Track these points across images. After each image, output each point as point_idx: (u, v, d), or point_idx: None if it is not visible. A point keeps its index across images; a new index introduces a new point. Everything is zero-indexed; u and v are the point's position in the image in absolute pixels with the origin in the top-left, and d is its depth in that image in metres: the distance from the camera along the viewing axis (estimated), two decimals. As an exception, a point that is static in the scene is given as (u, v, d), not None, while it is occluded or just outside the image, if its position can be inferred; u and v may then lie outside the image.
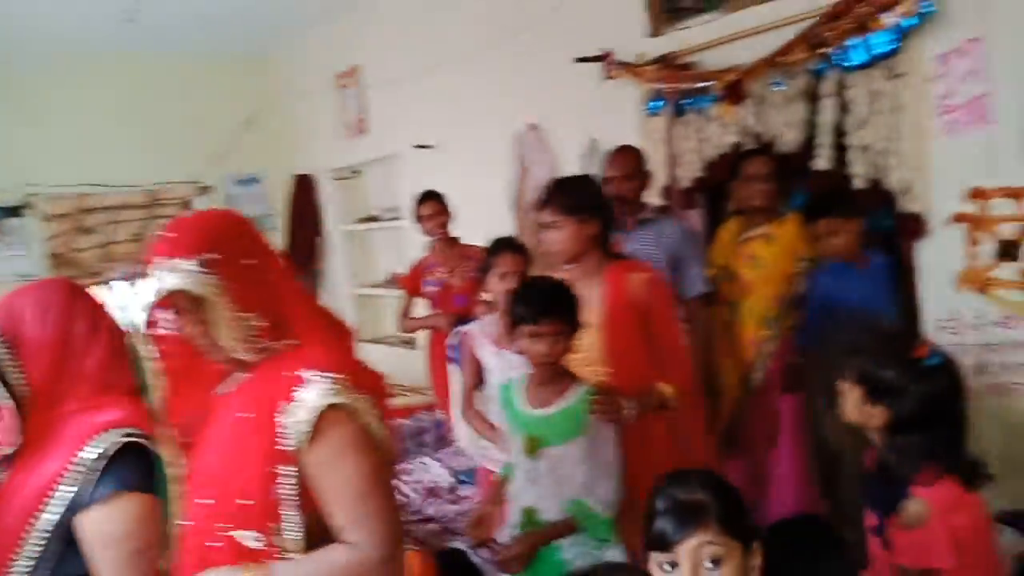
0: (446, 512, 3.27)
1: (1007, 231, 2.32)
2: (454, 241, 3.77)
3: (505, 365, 2.60)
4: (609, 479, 1.93)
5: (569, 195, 2.21)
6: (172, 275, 1.20)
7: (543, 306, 1.91)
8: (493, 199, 4.16)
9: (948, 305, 2.49)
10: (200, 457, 1.28)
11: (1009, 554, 1.93)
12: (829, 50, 2.60)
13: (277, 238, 6.22)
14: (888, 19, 2.44)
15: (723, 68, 2.95)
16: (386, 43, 4.97)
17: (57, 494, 1.32)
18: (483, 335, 2.68)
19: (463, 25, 4.31)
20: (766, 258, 2.82)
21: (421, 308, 3.95)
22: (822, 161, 2.70)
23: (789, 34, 2.70)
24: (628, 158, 2.90)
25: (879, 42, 2.47)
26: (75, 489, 1.32)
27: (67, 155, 5.33)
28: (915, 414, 1.58)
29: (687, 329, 2.81)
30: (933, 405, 1.58)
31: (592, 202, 2.22)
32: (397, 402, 4.54)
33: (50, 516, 1.31)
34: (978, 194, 2.37)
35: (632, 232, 2.86)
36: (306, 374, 1.19)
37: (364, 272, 5.91)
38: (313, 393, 1.17)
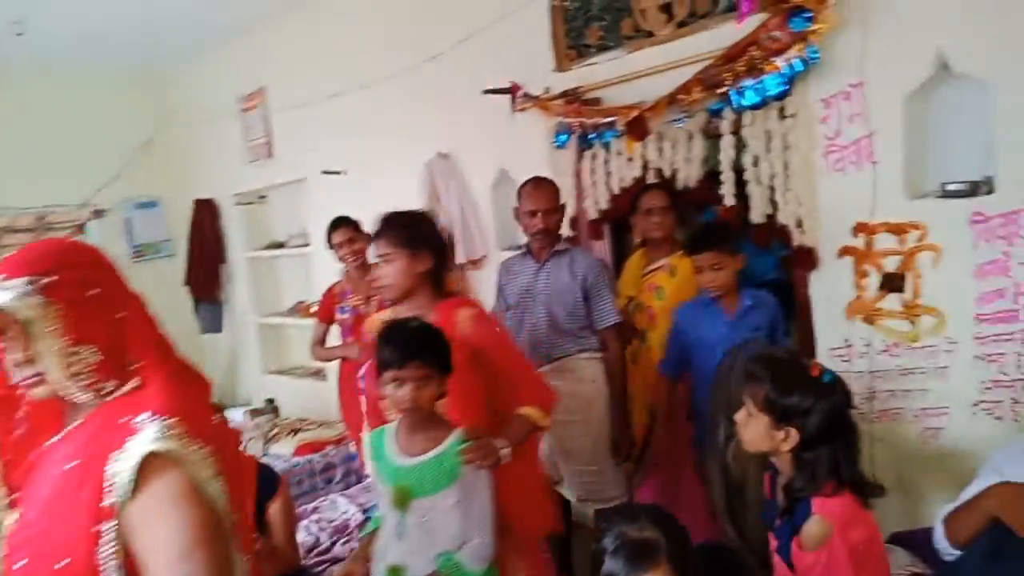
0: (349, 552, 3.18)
1: (891, 264, 2.46)
2: (369, 268, 3.69)
3: None
4: (483, 530, 1.86)
5: (402, 229, 2.18)
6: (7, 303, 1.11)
7: (408, 349, 1.83)
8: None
9: (839, 334, 2.62)
10: (20, 515, 1.16)
11: (901, 573, 2.02)
12: (726, 90, 2.71)
13: (177, 265, 5.98)
14: (778, 63, 2.57)
15: (626, 104, 3.03)
16: (292, 66, 4.88)
17: None
18: None
19: (372, 51, 4.28)
20: (669, 289, 2.91)
21: (335, 337, 3.87)
22: (725, 197, 2.80)
23: (688, 74, 2.81)
24: (548, 192, 2.90)
25: (771, 84, 2.60)
26: None
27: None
28: (822, 430, 1.64)
29: (601, 358, 2.88)
30: (833, 419, 1.65)
31: (427, 237, 2.20)
32: (306, 436, 4.42)
33: None
34: (863, 229, 2.51)
35: (546, 263, 2.90)
36: (139, 419, 1.10)
37: (269, 301, 5.75)
38: (140, 440, 1.07)
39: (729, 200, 2.80)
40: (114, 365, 1.16)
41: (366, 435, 2.06)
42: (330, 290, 3.84)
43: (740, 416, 1.73)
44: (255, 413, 5.03)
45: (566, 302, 2.85)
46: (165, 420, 1.09)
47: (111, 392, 1.16)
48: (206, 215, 5.84)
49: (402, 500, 1.85)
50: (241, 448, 1.35)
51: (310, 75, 4.72)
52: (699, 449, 2.71)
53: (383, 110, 4.24)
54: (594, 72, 3.23)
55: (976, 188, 2.31)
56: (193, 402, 1.18)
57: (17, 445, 1.23)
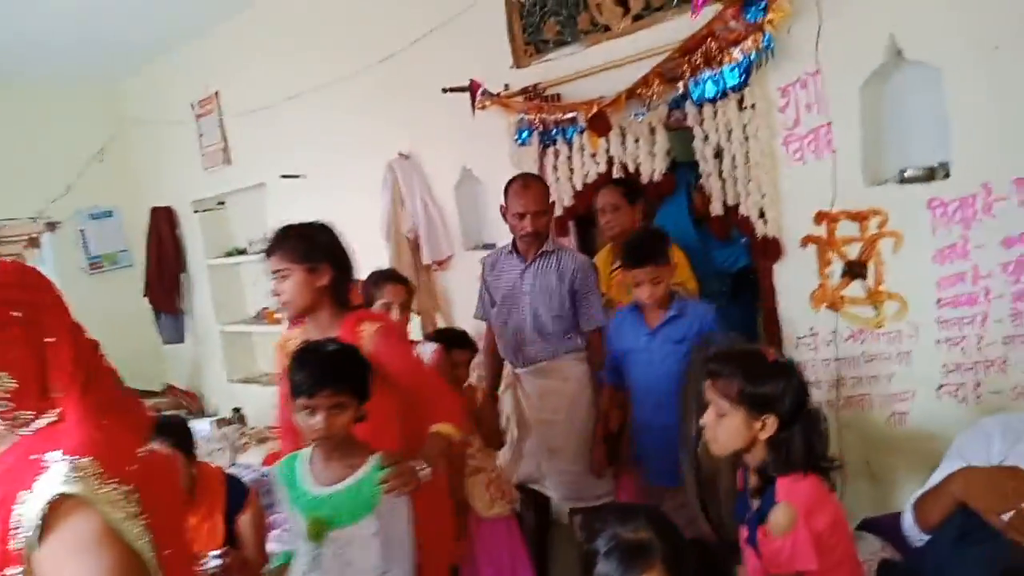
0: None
1: (852, 252, 2.48)
2: None
3: None
4: (403, 559, 1.79)
5: (298, 242, 2.07)
6: None
7: (320, 376, 1.74)
8: (365, 229, 4.06)
9: (805, 322, 2.63)
10: None
11: (871, 559, 2.04)
12: (685, 82, 2.71)
13: (136, 276, 5.85)
14: (735, 54, 2.57)
15: (586, 100, 3.02)
16: (244, 69, 4.79)
17: None
18: None
19: (326, 51, 4.21)
20: (635, 285, 2.90)
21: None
22: (704, 187, 2.80)
23: (647, 67, 2.80)
24: (537, 193, 2.80)
25: (728, 75, 2.60)
26: None
27: None
28: (793, 411, 1.66)
29: (586, 358, 2.83)
30: (799, 398, 1.68)
31: (324, 250, 2.10)
32: (275, 446, 4.32)
33: None
34: (824, 217, 2.52)
35: (532, 263, 2.84)
36: (49, 458, 1.02)
37: (232, 308, 5.65)
38: (48, 481, 1.00)
39: (707, 190, 2.79)
40: (31, 394, 1.09)
41: (277, 462, 1.95)
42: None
43: (708, 418, 1.71)
44: (222, 423, 4.94)
45: (552, 304, 2.78)
46: (76, 460, 1.02)
47: (28, 423, 1.09)
48: (164, 223, 5.72)
49: (317, 532, 1.75)
50: (178, 477, 1.29)
51: (264, 78, 4.63)
52: (638, 465, 2.70)
53: (341, 111, 4.18)
54: (553, 68, 3.21)
55: (933, 173, 2.33)
56: (115, 437, 1.10)
57: None
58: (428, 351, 2.63)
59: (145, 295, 5.77)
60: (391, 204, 3.95)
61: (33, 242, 5.73)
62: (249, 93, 4.74)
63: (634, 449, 2.70)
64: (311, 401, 1.74)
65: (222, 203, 5.58)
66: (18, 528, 0.99)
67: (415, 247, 3.90)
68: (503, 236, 3.46)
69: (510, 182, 2.87)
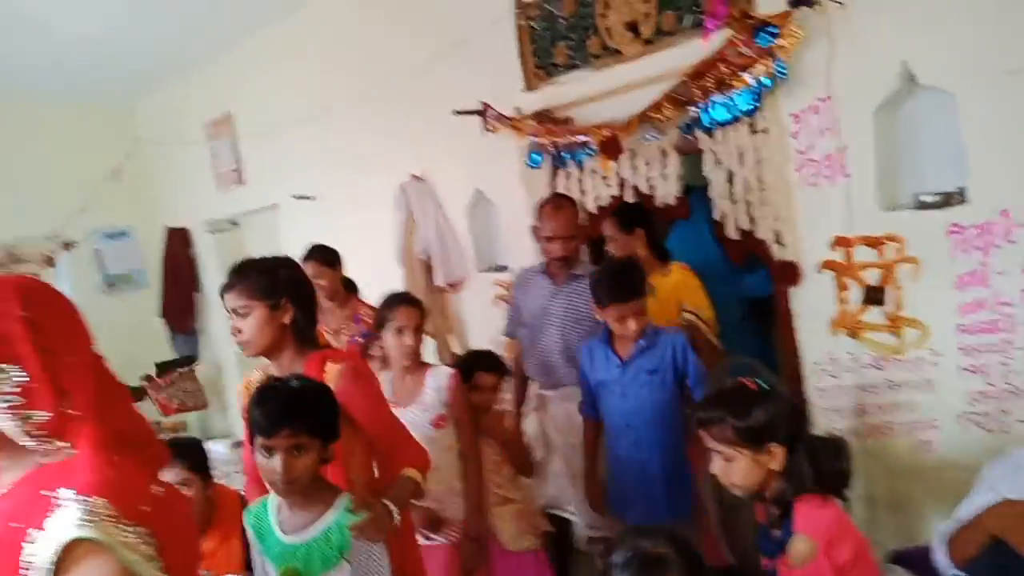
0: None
1: (871, 277, 2.46)
2: (346, 299, 3.60)
3: (403, 422, 2.56)
4: None
5: (259, 277, 1.96)
6: None
7: (278, 415, 1.64)
8: (378, 251, 4.08)
9: (824, 349, 2.61)
10: None
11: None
12: (696, 107, 2.70)
13: (152, 296, 5.89)
14: (747, 79, 2.56)
15: (598, 123, 3.01)
16: (260, 91, 4.81)
17: None
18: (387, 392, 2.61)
19: (339, 74, 4.23)
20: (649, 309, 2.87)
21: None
22: (715, 212, 2.77)
23: (657, 91, 2.79)
24: (568, 217, 2.75)
25: (740, 100, 2.59)
26: None
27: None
28: (791, 432, 1.65)
29: None
30: (793, 417, 1.67)
31: (287, 285, 1.99)
32: None
33: None
34: (841, 242, 2.50)
35: (563, 288, 2.80)
36: (62, 496, 1.00)
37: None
38: (61, 522, 0.99)
39: (719, 215, 2.77)
40: (45, 393, 1.05)
41: (247, 510, 1.87)
42: None
43: (717, 467, 1.70)
44: (238, 444, 4.95)
45: (581, 330, 2.73)
46: (91, 500, 1.00)
47: (43, 430, 1.06)
48: (179, 244, 5.76)
49: None
50: (191, 514, 1.27)
51: (276, 100, 4.66)
52: (614, 509, 2.60)
53: (353, 133, 4.20)
54: (563, 91, 3.21)
55: (949, 199, 2.31)
56: (129, 474, 1.08)
57: None
58: (444, 375, 2.61)
59: (160, 315, 5.81)
60: (404, 226, 3.96)
61: (49, 261, 5.76)
62: (262, 115, 4.77)
63: (609, 486, 2.62)
64: (268, 441, 1.65)
65: (236, 223, 5.61)
66: (29, 568, 0.98)
67: (428, 269, 3.90)
68: (516, 258, 3.47)
69: (543, 203, 2.84)
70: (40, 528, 0.99)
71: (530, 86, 3.34)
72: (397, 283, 3.80)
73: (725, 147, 2.68)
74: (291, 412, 1.66)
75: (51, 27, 4.14)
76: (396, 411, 2.52)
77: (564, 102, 3.19)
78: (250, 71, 4.86)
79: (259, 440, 1.67)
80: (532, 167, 3.30)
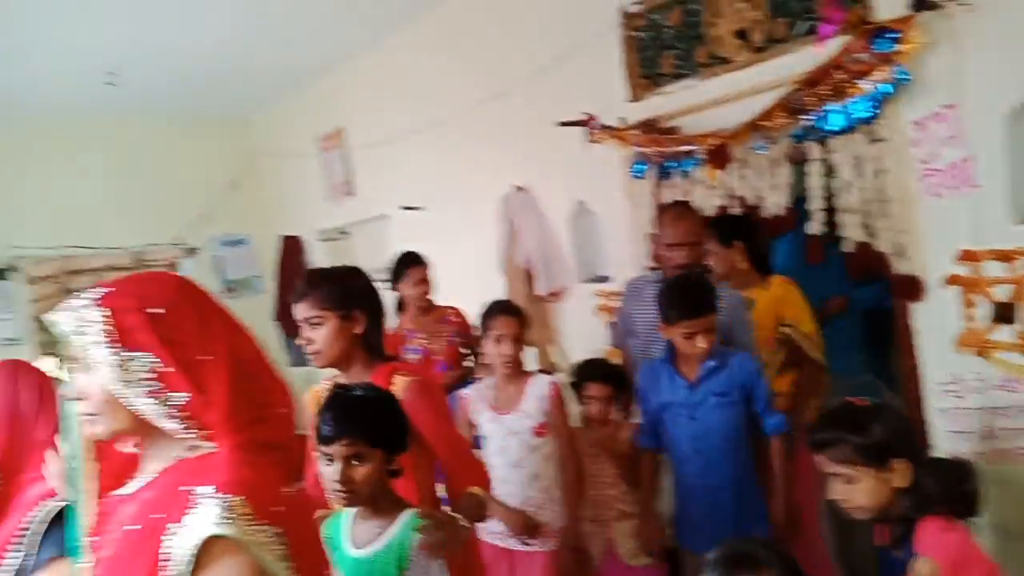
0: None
1: (1001, 293, 2.32)
2: (431, 306, 3.68)
3: (503, 430, 2.60)
4: None
5: (331, 288, 1.95)
6: (67, 318, 1.10)
7: (338, 422, 1.62)
8: (481, 260, 4.15)
9: (948, 368, 2.47)
10: (95, 564, 1.16)
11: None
12: (809, 115, 2.63)
13: (268, 300, 6.20)
14: (865, 86, 2.47)
15: (705, 132, 2.97)
16: (370, 105, 5.01)
17: (7, 561, 1.39)
18: (480, 399, 2.67)
19: (447, 87, 4.35)
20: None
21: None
22: (813, 224, 2.71)
23: (768, 99, 2.73)
24: (693, 223, 2.66)
25: (857, 108, 2.50)
26: (19, 556, 1.39)
27: (52, 217, 5.35)
28: (909, 445, 1.61)
29: None
30: (909, 431, 1.64)
31: (359, 296, 1.98)
32: None
33: None
34: (968, 256, 2.37)
35: None
36: (201, 493, 1.04)
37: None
38: (200, 518, 1.01)
39: (818, 228, 2.70)
40: (181, 382, 1.08)
41: (325, 521, 1.82)
42: (395, 331, 3.64)
43: (839, 491, 1.64)
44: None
45: None
46: (229, 499, 1.03)
47: (182, 417, 1.09)
48: (293, 251, 6.04)
49: None
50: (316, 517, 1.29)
51: (386, 114, 4.83)
52: (681, 546, 2.48)
53: (459, 145, 4.30)
54: (669, 101, 3.18)
55: (1091, 211, 2.16)
56: (264, 475, 1.10)
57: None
58: (544, 384, 2.63)
59: (275, 318, 6.10)
60: (506, 236, 4.02)
61: (173, 266, 6.15)
62: (372, 128, 4.95)
63: (676, 515, 2.51)
64: (328, 449, 1.63)
65: (345, 233, 5.83)
66: (168, 561, 1.01)
67: (530, 278, 3.95)
68: (618, 268, 3.47)
69: (663, 210, 2.74)
70: (179, 522, 1.02)
71: (635, 96, 3.33)
72: (499, 292, 3.86)
73: (841, 156, 2.59)
74: (351, 420, 1.64)
75: (174, 51, 4.44)
76: (497, 418, 2.62)
77: (670, 112, 3.17)
78: (360, 87, 5.07)
79: (320, 447, 1.66)
80: (636, 177, 3.29)
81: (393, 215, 4.91)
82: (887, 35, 2.37)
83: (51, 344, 5.41)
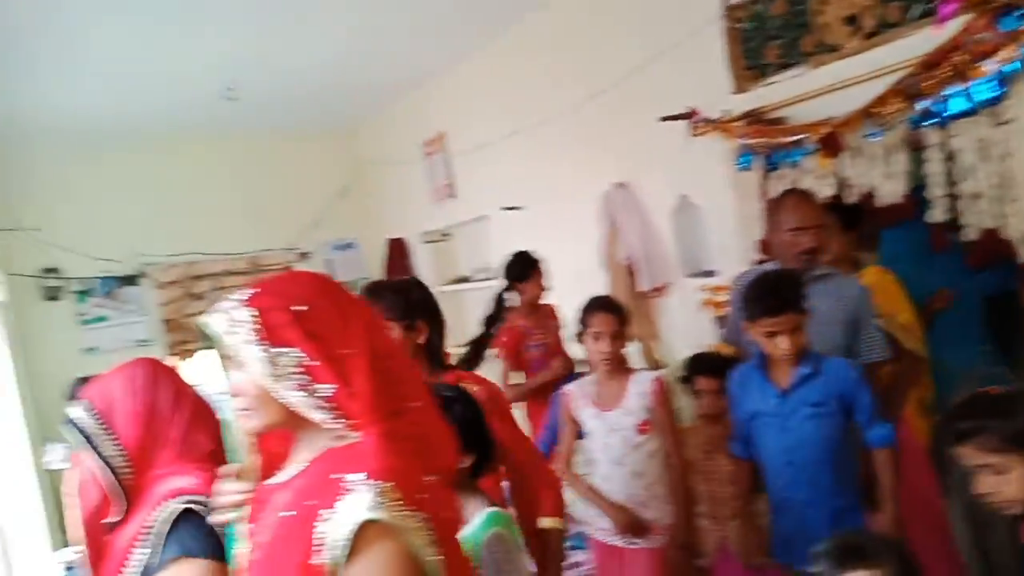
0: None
1: None
2: (539, 303, 3.80)
3: (605, 427, 2.61)
4: None
5: (394, 298, 1.97)
6: (218, 320, 1.17)
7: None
8: (581, 258, 4.19)
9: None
10: (252, 549, 1.22)
11: None
12: (927, 100, 2.54)
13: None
14: (989, 66, 2.36)
15: (815, 121, 2.91)
16: (469, 110, 5.14)
17: (132, 557, 1.42)
18: (582, 395, 2.69)
19: (546, 88, 4.41)
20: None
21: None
22: (935, 212, 2.61)
23: (880, 86, 2.65)
24: (815, 206, 2.57)
25: (981, 90, 2.39)
26: (146, 553, 1.40)
27: (176, 227, 5.76)
28: None
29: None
30: None
31: (421, 306, 1.99)
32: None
33: None
34: (1106, 242, 2.24)
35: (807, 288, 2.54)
36: (352, 480, 1.07)
37: (458, 332, 5.99)
38: (354, 504, 1.05)
39: (940, 215, 2.60)
40: (326, 374, 1.13)
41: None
42: (512, 328, 3.77)
43: (988, 484, 1.56)
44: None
45: (826, 334, 2.39)
46: (380, 485, 1.06)
47: (329, 408, 1.14)
48: (398, 253, 6.25)
49: None
50: (459, 506, 1.31)
51: (486, 117, 4.94)
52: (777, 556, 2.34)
53: (559, 145, 4.35)
54: (775, 91, 3.13)
55: None
56: (410, 463, 1.13)
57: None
58: (647, 380, 2.62)
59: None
60: (608, 233, 4.04)
61: (286, 270, 6.47)
62: (472, 132, 5.08)
63: (771, 529, 2.38)
64: None
65: (447, 235, 5.99)
66: (321, 545, 1.05)
67: (632, 274, 3.95)
68: (724, 263, 3.43)
69: (780, 198, 2.67)
70: (331, 508, 1.06)
71: (739, 88, 3.29)
72: (601, 289, 3.88)
73: (962, 141, 2.49)
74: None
75: (288, 69, 4.70)
76: (600, 414, 2.62)
77: (775, 102, 3.12)
78: (460, 92, 5.21)
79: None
80: (742, 169, 3.25)
81: (493, 216, 5.01)
82: (1014, 13, 2.27)
83: (179, 344, 5.81)
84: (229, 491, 1.28)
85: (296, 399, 1.14)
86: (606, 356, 2.58)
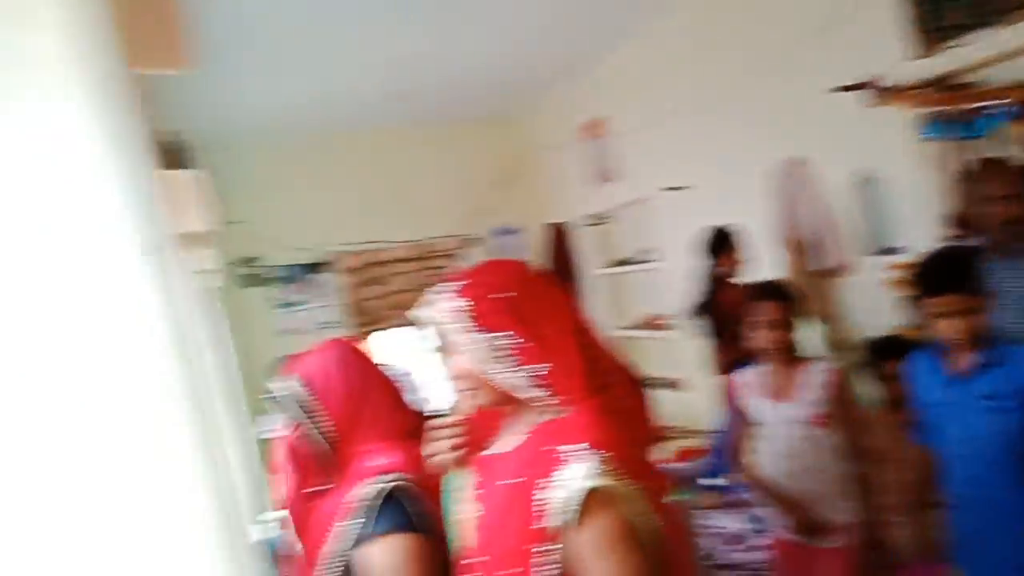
0: (746, 560, 3.16)
1: None
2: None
3: (776, 419, 2.51)
4: None
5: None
6: (434, 311, 1.27)
7: None
8: (750, 238, 4.10)
9: None
10: (478, 512, 1.30)
11: None
12: None
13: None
14: None
15: (1010, 84, 2.70)
16: (630, 93, 5.14)
17: (340, 529, 1.48)
18: (753, 385, 2.61)
19: (709, 64, 4.34)
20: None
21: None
22: None
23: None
24: (1017, 174, 2.42)
25: None
26: (357, 525, 1.46)
27: (355, 217, 6.20)
28: None
29: None
30: None
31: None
32: (675, 446, 4.44)
33: (330, 549, 1.48)
34: None
35: (1010, 260, 2.39)
36: (572, 450, 1.14)
37: (621, 315, 6.06)
38: (576, 473, 1.12)
39: None
40: (538, 355, 1.20)
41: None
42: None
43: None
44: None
45: None
46: (599, 455, 1.13)
47: (543, 386, 1.21)
48: (560, 237, 6.37)
49: None
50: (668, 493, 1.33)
51: (647, 98, 4.93)
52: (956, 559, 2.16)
53: (724, 121, 4.27)
54: (959, 55, 2.92)
55: None
56: (622, 435, 1.19)
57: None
58: (821, 370, 2.51)
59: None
60: (781, 211, 3.93)
61: (455, 256, 6.75)
62: (633, 114, 5.09)
63: (961, 526, 2.20)
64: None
65: (608, 217, 6.03)
66: (544, 511, 1.12)
67: (807, 253, 3.83)
68: (908, 240, 3.25)
69: (979, 167, 2.50)
70: (549, 478, 1.13)
71: (919, 54, 3.09)
72: (773, 270, 3.80)
73: None
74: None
75: (450, 62, 4.90)
76: (771, 405, 2.52)
77: (960, 67, 2.91)
78: (621, 75, 5.22)
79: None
80: (929, 139, 3.07)
81: (656, 197, 5.00)
82: None
83: (361, 327, 6.25)
84: (442, 437, 1.39)
85: (512, 379, 1.22)
86: (775, 346, 2.49)
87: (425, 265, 6.50)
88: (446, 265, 6.58)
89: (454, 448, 1.37)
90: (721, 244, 3.88)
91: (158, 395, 1.13)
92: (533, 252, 6.70)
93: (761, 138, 4.00)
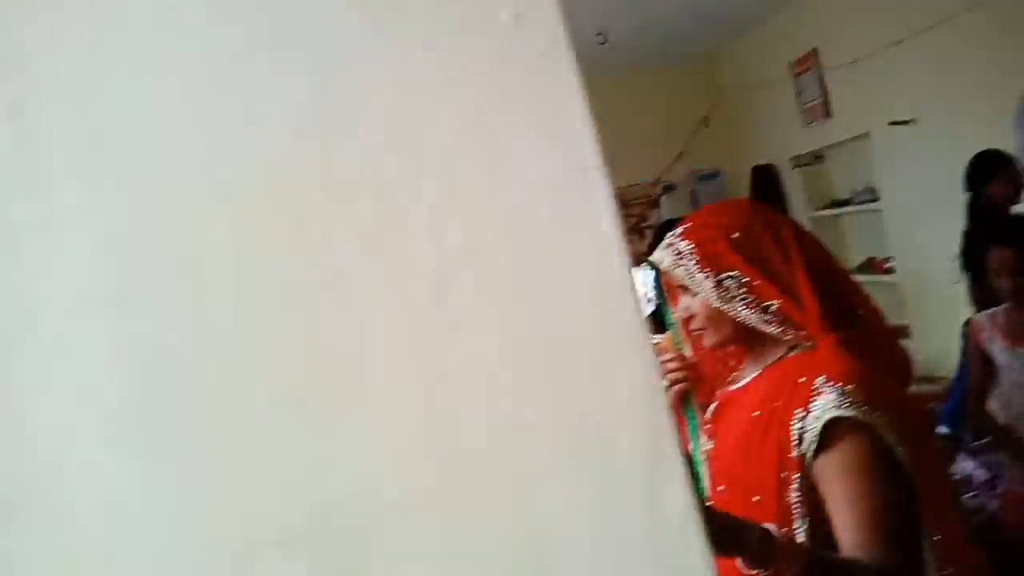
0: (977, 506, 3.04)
1: None
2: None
3: (1018, 364, 2.40)
4: None
5: None
6: (665, 254, 1.30)
7: None
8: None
9: None
10: (716, 446, 1.35)
11: None
12: None
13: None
14: None
15: None
16: (844, 23, 4.78)
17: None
18: (993, 326, 2.48)
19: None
20: None
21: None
22: None
23: None
24: None
25: None
26: None
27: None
28: None
29: None
30: None
31: None
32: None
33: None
34: None
35: None
36: (816, 382, 1.16)
37: (840, 259, 5.75)
38: (822, 404, 1.14)
39: None
40: (769, 290, 1.22)
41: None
42: None
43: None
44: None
45: None
46: (844, 386, 1.14)
47: (778, 320, 1.23)
48: (766, 180, 6.13)
49: None
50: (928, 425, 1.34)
51: (864, 29, 4.57)
52: None
53: (953, 50, 3.89)
54: None
55: None
56: (871, 370, 1.19)
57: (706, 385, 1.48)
58: None
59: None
60: None
61: (653, 203, 6.73)
62: (848, 46, 4.73)
63: None
64: None
65: (820, 157, 5.71)
66: (790, 441, 1.16)
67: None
68: None
69: None
70: (802, 408, 1.16)
71: None
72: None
73: None
74: None
75: (648, 6, 4.84)
76: (1012, 350, 2.39)
77: None
78: (832, 6, 4.86)
79: None
80: None
81: (876, 133, 4.67)
82: None
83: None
84: (669, 366, 1.47)
85: (747, 315, 1.25)
86: (1010, 291, 2.37)
87: (627, 212, 6.53)
88: (643, 214, 6.59)
89: (673, 383, 1.46)
90: (993, 170, 3.42)
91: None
92: (734, 197, 6.52)
93: (1000, 65, 3.61)
